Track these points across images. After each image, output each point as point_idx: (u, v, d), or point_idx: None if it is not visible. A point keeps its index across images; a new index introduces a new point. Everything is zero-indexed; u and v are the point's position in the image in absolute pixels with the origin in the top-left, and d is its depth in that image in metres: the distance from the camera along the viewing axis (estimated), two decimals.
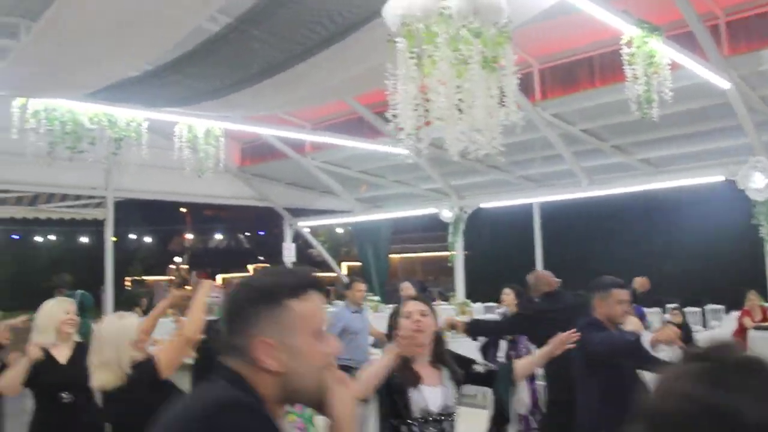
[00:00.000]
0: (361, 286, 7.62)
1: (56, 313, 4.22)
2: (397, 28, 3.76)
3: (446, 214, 14.18)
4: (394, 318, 3.62)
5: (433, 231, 37.13)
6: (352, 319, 7.34)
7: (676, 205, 20.43)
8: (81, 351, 4.24)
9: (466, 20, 3.67)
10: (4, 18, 10.30)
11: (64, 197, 14.56)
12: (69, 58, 6.62)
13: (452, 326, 6.63)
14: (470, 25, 3.68)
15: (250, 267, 40.70)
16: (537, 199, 15.25)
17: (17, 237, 33.68)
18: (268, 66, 7.04)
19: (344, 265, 23.13)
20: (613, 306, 4.81)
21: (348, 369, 3.60)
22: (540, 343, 4.78)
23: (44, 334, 4.16)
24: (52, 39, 6.25)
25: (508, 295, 7.67)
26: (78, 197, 14.62)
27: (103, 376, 3.55)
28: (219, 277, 40.00)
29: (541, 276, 7.08)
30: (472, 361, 3.81)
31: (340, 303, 21.75)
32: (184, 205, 21.31)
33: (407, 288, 8.21)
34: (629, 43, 6.39)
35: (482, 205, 14.53)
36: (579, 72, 10.51)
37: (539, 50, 10.49)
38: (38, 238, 34.23)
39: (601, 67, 10.14)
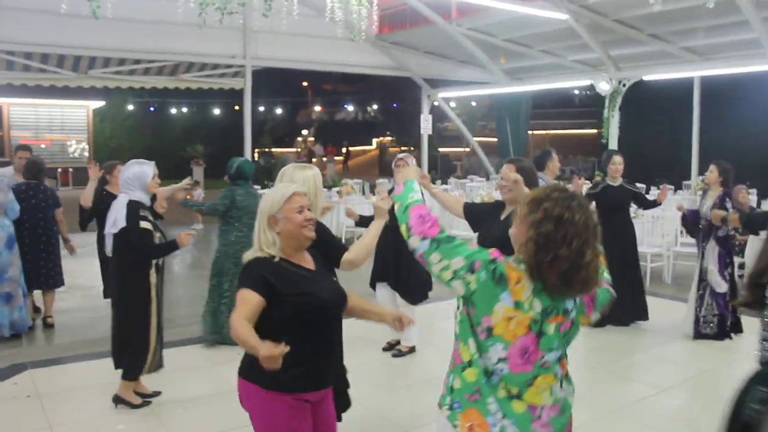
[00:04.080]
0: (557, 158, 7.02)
1: (318, 180, 3.70)
2: None
3: (603, 87, 13.01)
4: None
5: (567, 107, 35.45)
6: None
7: None
8: None
9: None
10: None
11: (203, 67, 14.33)
12: None
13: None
14: None
15: (375, 141, 40.34)
16: (705, 72, 13.75)
17: (153, 109, 34.38)
18: None
19: (477, 140, 22.21)
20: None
21: None
22: None
23: (319, 207, 3.70)
24: None
25: (712, 172, 6.84)
26: (216, 66, 14.36)
27: None
28: (344, 150, 39.98)
29: None
30: None
31: (476, 177, 21.16)
32: (322, 73, 20.78)
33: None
34: None
35: (645, 77, 13.18)
36: None
37: None
38: (173, 110, 34.81)
39: None
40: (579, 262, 2.18)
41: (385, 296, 6.31)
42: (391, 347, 6.44)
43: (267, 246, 2.90)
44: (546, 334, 2.26)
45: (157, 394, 5.19)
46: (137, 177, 4.93)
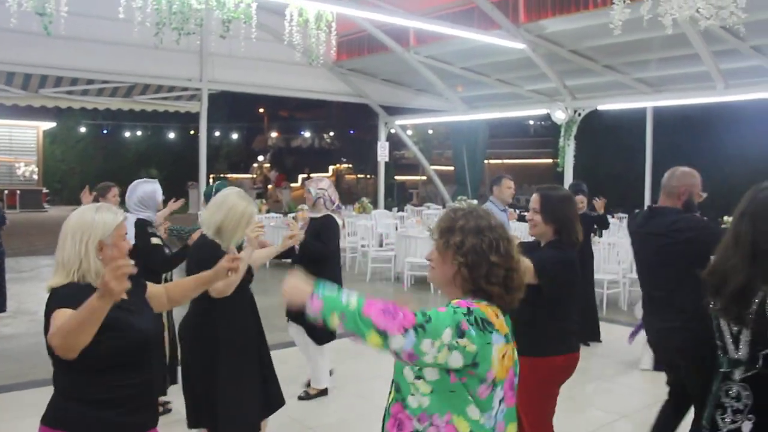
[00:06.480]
0: (510, 183, 6.85)
1: (246, 216, 3.74)
2: None
3: (559, 116, 13.16)
4: None
5: (523, 137, 35.94)
6: (504, 219, 6.34)
7: None
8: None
9: None
10: None
11: (159, 89, 14.13)
12: None
13: None
14: None
15: (331, 168, 40.21)
16: (658, 102, 14.04)
17: (107, 132, 33.80)
18: None
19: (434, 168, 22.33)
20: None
21: None
22: None
23: (234, 239, 3.74)
24: None
25: None
26: (171, 89, 14.18)
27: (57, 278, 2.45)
28: (300, 177, 39.76)
29: None
30: None
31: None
32: (278, 99, 20.69)
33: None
34: None
35: (600, 107, 13.40)
36: None
37: None
38: (126, 133, 34.21)
39: None
40: (511, 264, 2.11)
41: (297, 333, 5.74)
42: (308, 395, 5.76)
43: (93, 276, 2.42)
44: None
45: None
46: (150, 197, 4.92)
